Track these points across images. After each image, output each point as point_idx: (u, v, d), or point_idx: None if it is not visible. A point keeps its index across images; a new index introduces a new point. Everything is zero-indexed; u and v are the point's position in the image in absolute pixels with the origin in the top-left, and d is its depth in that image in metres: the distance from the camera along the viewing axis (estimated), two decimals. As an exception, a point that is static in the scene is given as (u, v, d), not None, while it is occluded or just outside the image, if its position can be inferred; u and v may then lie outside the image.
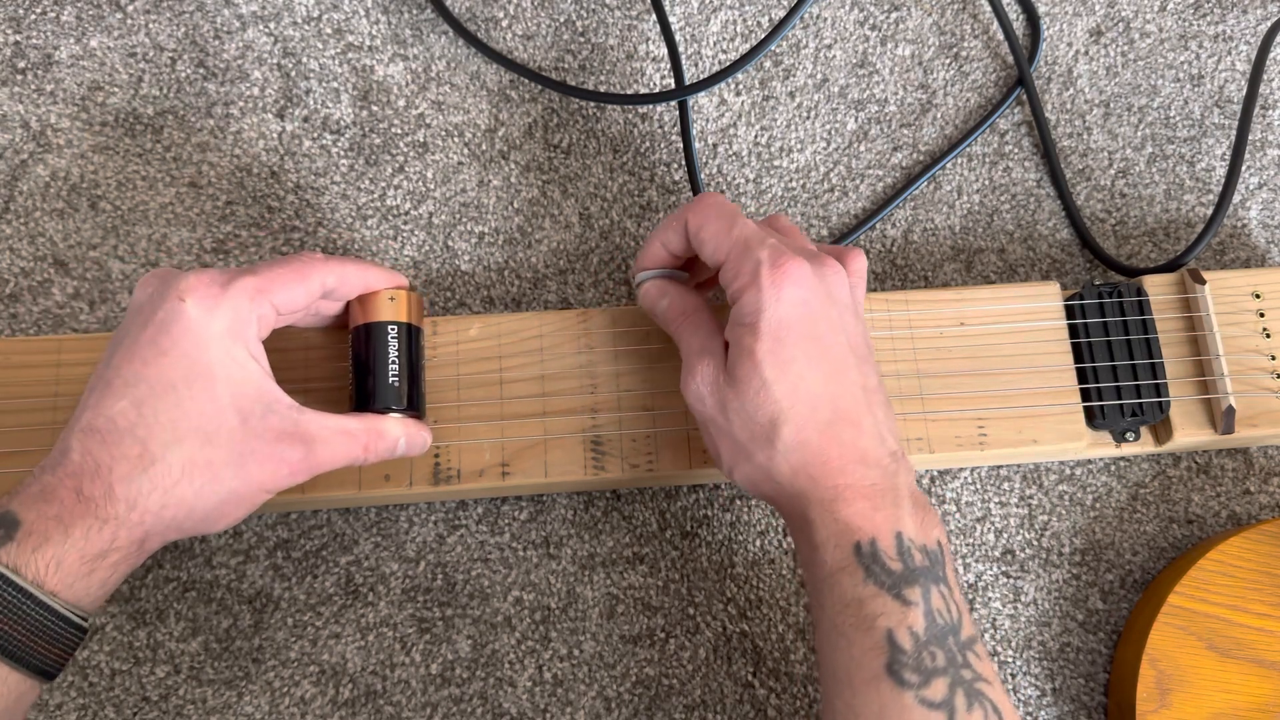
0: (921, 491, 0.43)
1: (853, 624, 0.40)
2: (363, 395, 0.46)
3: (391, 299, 0.46)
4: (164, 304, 0.41)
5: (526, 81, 0.60)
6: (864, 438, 0.42)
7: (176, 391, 0.40)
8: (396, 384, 0.46)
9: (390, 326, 0.46)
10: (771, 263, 0.42)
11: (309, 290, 0.44)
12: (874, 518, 0.41)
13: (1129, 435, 0.53)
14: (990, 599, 0.53)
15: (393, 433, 0.45)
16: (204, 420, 0.40)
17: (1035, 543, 0.54)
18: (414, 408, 0.47)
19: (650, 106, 0.60)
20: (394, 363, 0.46)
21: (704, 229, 0.44)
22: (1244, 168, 0.61)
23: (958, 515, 0.54)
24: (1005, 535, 0.54)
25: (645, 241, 0.49)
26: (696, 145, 0.59)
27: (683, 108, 0.58)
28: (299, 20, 0.61)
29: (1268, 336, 0.54)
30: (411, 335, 0.47)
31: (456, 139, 0.59)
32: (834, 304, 0.43)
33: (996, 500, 0.55)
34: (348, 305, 0.47)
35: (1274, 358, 0.53)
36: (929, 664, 0.39)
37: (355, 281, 0.46)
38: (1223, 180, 0.61)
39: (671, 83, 0.61)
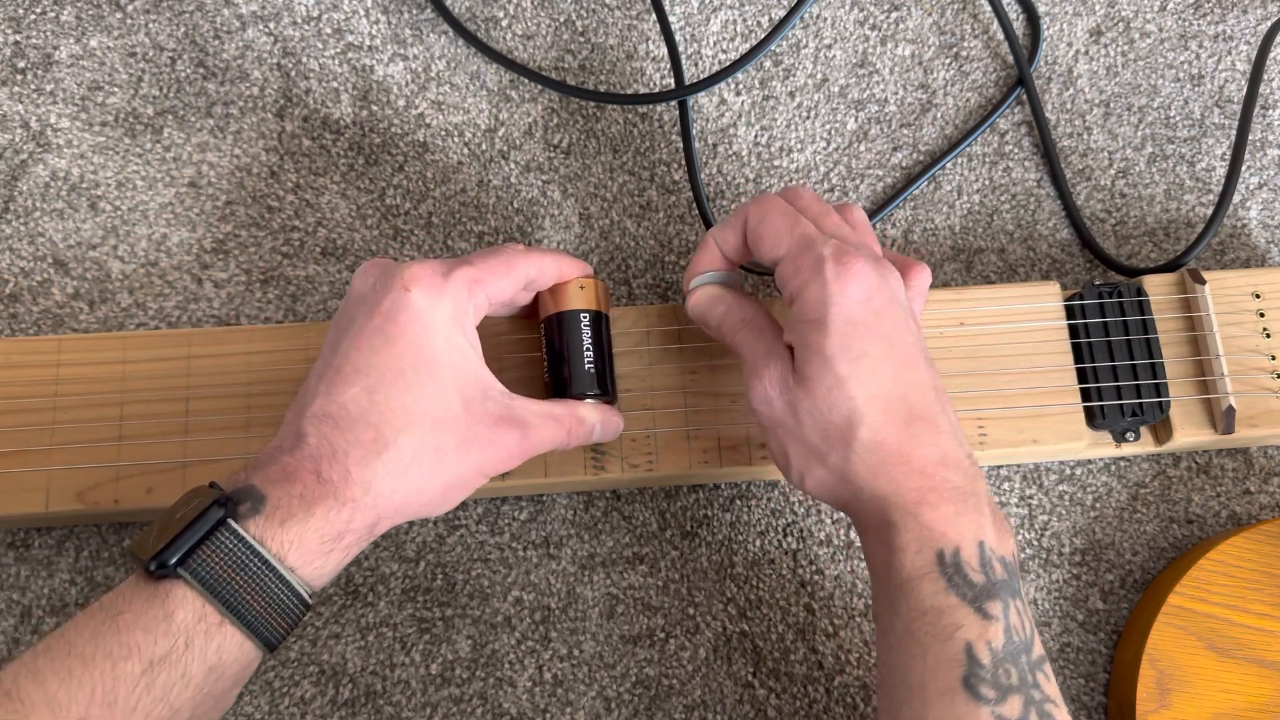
0: (995, 499, 0.42)
1: (929, 633, 0.39)
2: (559, 382, 0.47)
3: (581, 287, 0.47)
4: (389, 293, 0.41)
5: (526, 81, 0.60)
6: (944, 437, 0.41)
7: (406, 379, 0.40)
8: (591, 370, 0.47)
9: (582, 315, 0.47)
10: (836, 259, 0.41)
11: (515, 281, 0.45)
12: (958, 523, 0.40)
13: (1129, 435, 0.53)
14: (990, 599, 0.53)
15: (591, 418, 0.46)
16: (432, 406, 0.41)
17: (1035, 543, 0.54)
18: (607, 393, 0.48)
19: (650, 106, 0.60)
20: (588, 350, 0.47)
21: (764, 223, 0.44)
22: (1244, 168, 0.61)
23: (958, 515, 0.54)
24: (1005, 535, 0.54)
25: (699, 247, 0.48)
26: (696, 145, 0.59)
27: (683, 108, 0.58)
28: (299, 20, 0.61)
29: (1268, 336, 0.54)
30: (601, 322, 0.48)
31: (456, 139, 0.59)
32: (897, 304, 0.42)
33: (997, 500, 0.55)
34: (537, 295, 0.48)
35: (1274, 358, 0.53)
36: (1005, 681, 0.38)
37: (551, 272, 0.47)
38: (1223, 180, 0.61)
39: (671, 83, 0.61)
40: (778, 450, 0.44)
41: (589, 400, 0.47)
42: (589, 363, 0.47)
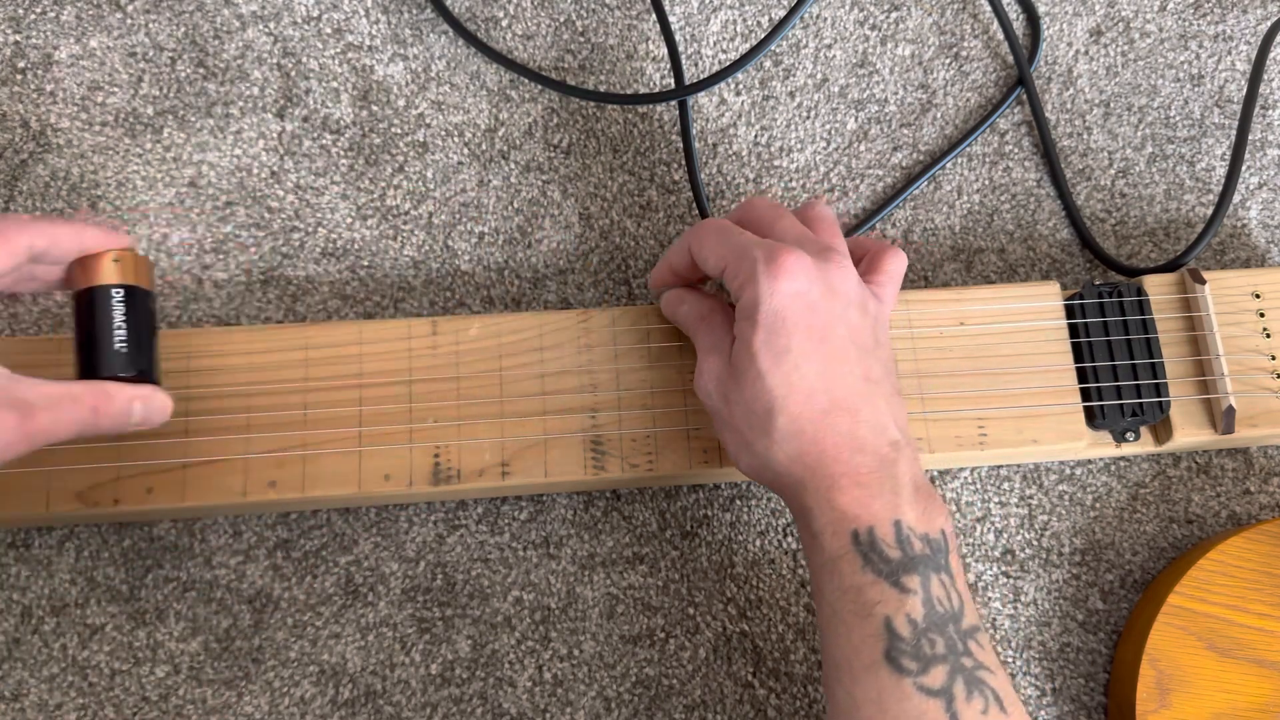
0: (928, 481, 0.43)
1: (852, 610, 0.40)
2: (88, 364, 0.43)
3: (116, 260, 0.44)
4: None
5: (526, 81, 0.60)
6: (861, 427, 0.42)
7: None
8: (124, 350, 0.43)
9: (115, 290, 0.43)
10: (767, 258, 0.43)
11: (10, 256, 0.41)
12: (871, 506, 0.41)
13: (1129, 435, 0.53)
14: (990, 599, 0.53)
15: (124, 395, 0.42)
16: None
17: (1035, 543, 0.54)
18: (145, 375, 0.44)
19: (650, 106, 0.60)
20: (120, 328, 0.43)
21: (703, 246, 0.46)
22: (1244, 168, 0.61)
23: (958, 515, 0.54)
24: (1005, 535, 0.54)
25: (655, 268, 0.51)
26: (696, 145, 0.59)
27: (683, 108, 0.58)
28: (299, 20, 0.61)
29: (1268, 336, 0.54)
30: (141, 299, 0.44)
31: (456, 139, 0.59)
32: (835, 296, 0.43)
33: (996, 500, 0.55)
34: (70, 269, 0.44)
35: (1274, 358, 0.53)
36: (928, 651, 0.39)
37: (69, 243, 0.43)
38: (1223, 180, 0.61)
39: (671, 83, 0.61)
40: (720, 436, 0.46)
41: (125, 382, 0.43)
42: (120, 342, 0.43)
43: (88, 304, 0.43)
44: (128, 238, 0.45)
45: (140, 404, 0.43)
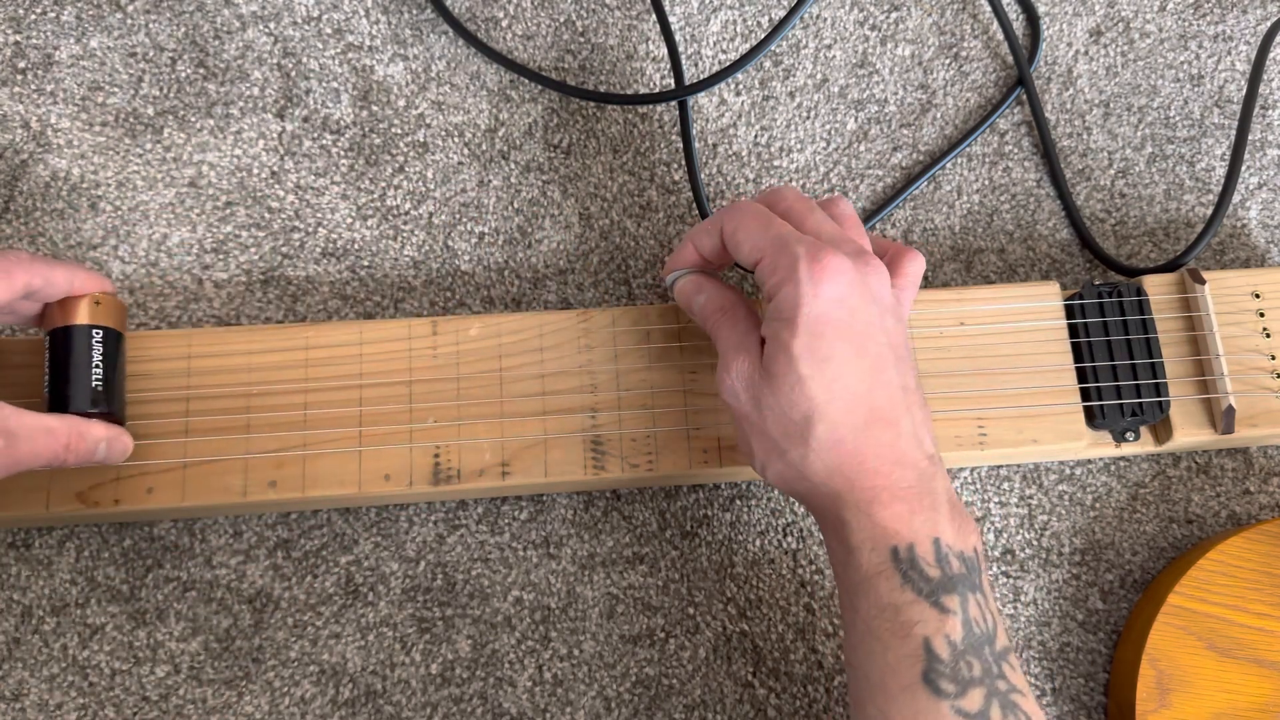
0: (959, 497, 0.42)
1: (889, 630, 0.39)
2: (59, 398, 0.45)
3: (97, 303, 0.46)
4: None
5: (526, 81, 0.60)
6: (902, 439, 0.41)
7: None
8: (98, 387, 0.46)
9: (95, 330, 0.46)
10: (810, 258, 0.41)
11: (10, 289, 0.43)
12: (911, 522, 0.40)
13: (1129, 435, 0.53)
14: (990, 599, 0.53)
15: (95, 434, 0.45)
16: None
17: (1035, 543, 0.54)
18: (113, 413, 0.46)
19: (650, 106, 0.60)
20: (96, 366, 0.46)
21: (739, 230, 0.44)
22: (1244, 168, 0.61)
23: (958, 515, 0.54)
24: (1005, 535, 0.54)
25: (678, 246, 0.49)
26: (696, 145, 0.59)
27: (683, 108, 0.58)
28: (299, 20, 0.61)
29: (1268, 336, 0.54)
30: (115, 341, 0.47)
31: (456, 139, 0.59)
32: (874, 302, 0.42)
33: (996, 500, 0.55)
34: (46, 306, 0.46)
35: (1274, 358, 0.53)
36: (965, 674, 0.39)
37: (62, 284, 0.45)
38: (1223, 180, 0.61)
39: (671, 83, 0.61)
40: (742, 439, 0.45)
41: (94, 418, 0.46)
42: (95, 380, 0.46)
43: (66, 341, 0.46)
44: (110, 283, 0.47)
45: (106, 444, 0.45)
